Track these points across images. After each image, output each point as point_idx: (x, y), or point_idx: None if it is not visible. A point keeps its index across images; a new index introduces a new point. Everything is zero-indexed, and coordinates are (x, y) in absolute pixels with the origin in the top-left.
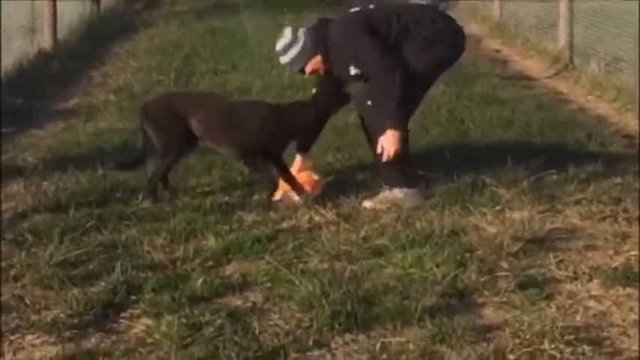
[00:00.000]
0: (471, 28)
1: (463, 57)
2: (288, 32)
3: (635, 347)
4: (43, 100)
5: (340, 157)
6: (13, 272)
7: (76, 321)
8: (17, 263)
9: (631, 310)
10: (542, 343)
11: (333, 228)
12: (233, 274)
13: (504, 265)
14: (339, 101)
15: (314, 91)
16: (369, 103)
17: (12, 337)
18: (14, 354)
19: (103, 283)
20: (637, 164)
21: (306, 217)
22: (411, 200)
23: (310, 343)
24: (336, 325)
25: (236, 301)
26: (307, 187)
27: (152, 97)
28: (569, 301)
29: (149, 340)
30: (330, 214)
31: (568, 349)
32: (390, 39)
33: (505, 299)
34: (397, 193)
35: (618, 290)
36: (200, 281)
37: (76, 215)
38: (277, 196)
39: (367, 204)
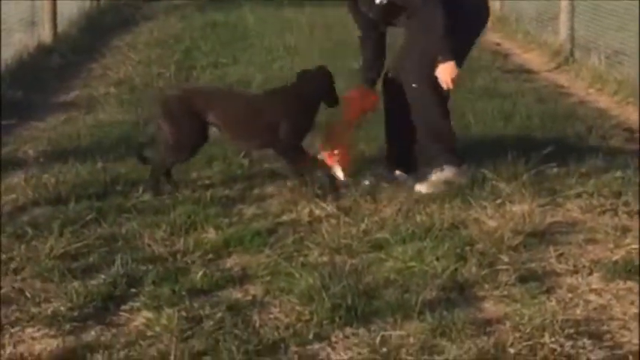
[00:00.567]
0: None
1: None
2: None
3: (635, 341)
4: (43, 92)
5: None
6: (13, 265)
7: (76, 314)
8: (17, 256)
9: (631, 303)
10: (543, 336)
11: (333, 221)
12: (233, 267)
13: (505, 258)
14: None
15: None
16: (413, 85)
17: (12, 330)
18: (14, 347)
19: (103, 276)
20: (637, 158)
21: (307, 210)
22: (464, 177)
23: (310, 336)
24: (337, 319)
25: (236, 294)
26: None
27: (171, 92)
28: (570, 295)
29: (149, 333)
30: (331, 208)
31: (568, 343)
32: None
33: (505, 293)
34: (449, 171)
35: (619, 284)
36: (200, 274)
37: (76, 208)
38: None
39: (422, 188)
